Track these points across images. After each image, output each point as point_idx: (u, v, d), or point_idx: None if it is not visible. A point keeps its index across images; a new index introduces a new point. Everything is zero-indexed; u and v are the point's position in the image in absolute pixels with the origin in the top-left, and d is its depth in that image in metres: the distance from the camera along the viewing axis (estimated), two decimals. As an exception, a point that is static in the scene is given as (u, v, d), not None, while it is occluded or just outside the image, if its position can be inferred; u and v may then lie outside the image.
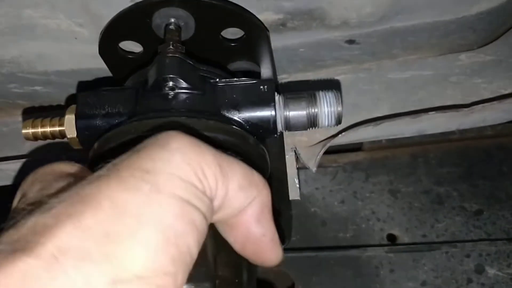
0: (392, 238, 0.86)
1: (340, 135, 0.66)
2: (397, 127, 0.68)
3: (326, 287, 0.82)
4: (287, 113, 0.54)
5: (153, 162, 0.36)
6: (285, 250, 0.64)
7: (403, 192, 0.87)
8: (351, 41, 0.65)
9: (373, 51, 0.69)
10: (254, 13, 0.57)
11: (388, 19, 0.61)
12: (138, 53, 0.59)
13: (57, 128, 0.56)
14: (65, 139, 0.55)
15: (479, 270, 0.82)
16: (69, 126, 0.54)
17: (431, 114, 0.65)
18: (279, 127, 0.54)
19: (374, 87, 0.72)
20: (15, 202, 0.40)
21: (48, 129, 0.56)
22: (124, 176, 0.35)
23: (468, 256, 0.82)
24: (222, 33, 0.57)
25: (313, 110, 0.54)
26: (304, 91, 0.56)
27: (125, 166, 0.35)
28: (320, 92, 0.55)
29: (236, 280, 0.46)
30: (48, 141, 0.58)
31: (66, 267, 0.30)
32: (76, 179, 0.38)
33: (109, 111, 0.52)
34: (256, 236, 0.41)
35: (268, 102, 0.53)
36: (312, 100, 0.54)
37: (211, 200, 0.37)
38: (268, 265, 0.43)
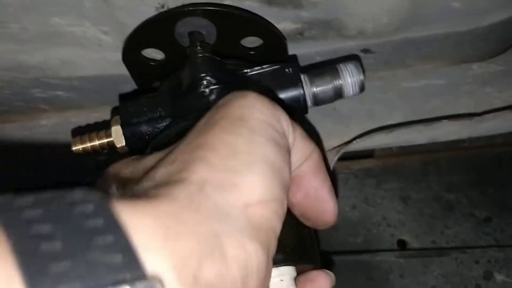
0: (402, 244, 0.87)
1: (354, 141, 0.68)
2: (410, 134, 0.70)
3: None
4: (314, 89, 0.57)
5: (240, 109, 0.40)
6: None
7: (413, 198, 0.88)
8: (366, 50, 0.67)
9: (387, 60, 0.71)
10: (273, 22, 0.58)
11: (403, 30, 0.63)
12: (160, 60, 0.61)
13: (105, 140, 0.60)
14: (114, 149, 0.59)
15: (488, 276, 0.83)
16: (116, 136, 0.57)
17: (444, 122, 0.67)
18: (309, 103, 0.58)
19: (388, 95, 0.73)
20: (113, 189, 0.44)
21: (97, 143, 0.60)
22: (224, 124, 0.40)
23: (477, 262, 0.83)
24: (241, 42, 0.59)
25: (338, 82, 0.58)
26: (326, 65, 0.59)
27: (219, 117, 0.41)
28: (341, 65, 0.58)
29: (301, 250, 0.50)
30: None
31: (209, 193, 0.35)
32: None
33: (151, 116, 0.56)
34: (316, 188, 0.45)
35: (295, 82, 0.57)
36: (335, 73, 0.58)
37: (288, 142, 0.42)
38: (327, 222, 0.48)
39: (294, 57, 0.64)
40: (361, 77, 0.58)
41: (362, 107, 0.72)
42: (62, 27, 0.57)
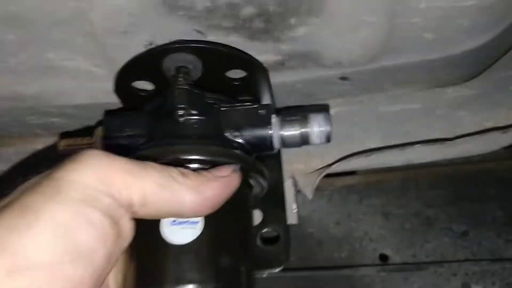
0: (384, 258, 0.89)
1: (334, 165, 0.70)
2: (386, 157, 0.72)
3: None
4: (283, 133, 0.59)
5: (62, 172, 0.41)
6: (283, 270, 0.68)
7: (394, 214, 0.90)
8: (343, 78, 0.69)
9: (364, 86, 0.73)
10: (256, 54, 0.61)
11: (378, 59, 0.65)
12: (150, 90, 0.63)
13: (89, 143, 0.64)
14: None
15: None
16: (99, 145, 0.60)
17: (417, 147, 0.69)
18: (276, 145, 0.60)
19: (366, 119, 0.76)
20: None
21: (80, 143, 0.65)
22: (39, 181, 0.40)
23: (455, 275, 0.86)
24: (226, 73, 0.61)
25: (305, 130, 0.60)
26: (299, 113, 0.61)
27: (44, 174, 0.41)
28: (311, 114, 0.60)
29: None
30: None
31: None
32: None
33: (130, 133, 0.58)
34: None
35: (266, 124, 0.59)
36: (304, 121, 0.60)
37: (120, 201, 0.42)
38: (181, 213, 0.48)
39: (270, 103, 0.66)
40: (328, 128, 0.59)
41: (341, 130, 0.74)
42: (56, 61, 0.59)
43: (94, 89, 0.65)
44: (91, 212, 0.40)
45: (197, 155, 0.52)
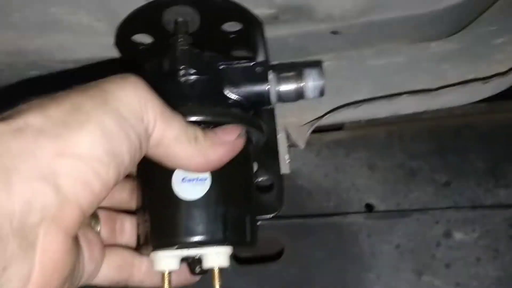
0: (369, 207, 0.93)
1: (325, 117, 0.73)
2: (375, 109, 0.75)
3: (312, 250, 0.89)
4: (279, 88, 0.62)
5: (110, 85, 0.46)
6: (276, 217, 0.72)
7: (379, 166, 0.93)
8: (334, 32, 0.71)
9: (354, 40, 0.75)
10: (251, 7, 0.62)
11: (367, 14, 0.67)
12: (149, 43, 0.65)
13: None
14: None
15: (447, 234, 0.89)
16: None
17: (403, 97, 0.72)
18: (273, 100, 0.62)
19: (355, 73, 0.78)
20: None
21: None
22: (87, 89, 0.45)
23: (437, 222, 0.89)
24: (223, 26, 0.63)
25: (300, 85, 0.62)
26: (294, 68, 0.64)
27: (91, 84, 0.46)
28: (306, 69, 0.63)
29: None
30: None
31: (26, 135, 0.39)
32: None
33: None
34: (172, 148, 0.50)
35: (262, 80, 0.61)
36: (299, 76, 0.62)
37: (146, 130, 0.47)
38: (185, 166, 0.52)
39: (266, 60, 0.68)
40: (322, 82, 0.62)
41: (332, 84, 0.76)
42: (59, 15, 0.61)
43: (95, 43, 0.67)
44: (130, 130, 0.44)
45: (204, 116, 0.55)
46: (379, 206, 0.93)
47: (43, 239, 0.39)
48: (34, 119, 0.40)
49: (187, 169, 0.52)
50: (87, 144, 0.42)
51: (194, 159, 0.51)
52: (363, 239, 0.91)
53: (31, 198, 0.38)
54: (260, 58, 0.68)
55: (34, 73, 0.74)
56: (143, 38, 0.64)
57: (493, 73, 0.76)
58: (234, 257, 0.81)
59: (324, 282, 0.88)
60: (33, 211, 0.38)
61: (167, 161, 0.51)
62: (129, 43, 0.64)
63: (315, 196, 0.93)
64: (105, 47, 0.66)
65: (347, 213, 0.92)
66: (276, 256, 0.91)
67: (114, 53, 0.67)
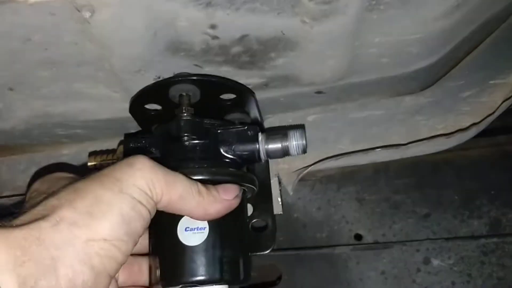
0: (358, 237, 0.98)
1: (310, 167, 0.80)
2: (354, 159, 0.82)
3: (307, 277, 0.95)
4: (267, 147, 0.69)
5: (121, 174, 0.53)
6: (274, 250, 0.79)
7: (367, 199, 0.99)
8: (319, 92, 0.77)
9: (337, 97, 0.81)
10: (244, 79, 0.69)
11: (345, 78, 0.73)
12: (158, 110, 0.72)
13: (114, 160, 0.73)
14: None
15: (426, 261, 0.95)
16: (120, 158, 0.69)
17: (377, 150, 0.79)
18: (263, 157, 0.70)
19: (338, 124, 0.85)
20: (28, 195, 0.60)
21: (106, 159, 0.74)
22: (103, 180, 0.53)
23: (418, 250, 0.95)
24: (220, 97, 0.70)
25: (285, 144, 0.70)
26: (281, 130, 0.71)
27: (105, 174, 0.54)
28: (290, 131, 0.70)
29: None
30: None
31: (63, 228, 0.48)
32: (73, 180, 0.56)
33: (145, 152, 0.66)
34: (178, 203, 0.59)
35: (253, 141, 0.69)
36: (284, 137, 0.70)
37: (156, 202, 0.55)
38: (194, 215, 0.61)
39: (256, 125, 0.74)
40: (304, 142, 0.69)
41: (317, 135, 0.83)
42: (81, 89, 0.68)
43: (112, 107, 0.74)
44: (142, 209, 0.53)
45: (207, 176, 0.63)
46: (367, 236, 0.98)
47: None
48: (66, 213, 0.49)
49: (191, 217, 0.61)
50: (110, 230, 0.50)
51: (196, 211, 0.59)
52: (352, 266, 0.97)
53: (74, 278, 0.47)
54: (253, 117, 0.76)
55: (59, 131, 0.82)
56: (153, 106, 0.72)
57: (459, 124, 0.82)
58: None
59: (317, 305, 0.95)
60: (76, 287, 0.48)
61: (173, 211, 0.59)
62: (140, 110, 0.71)
63: (309, 228, 0.99)
64: (121, 110, 0.73)
65: (338, 244, 0.97)
66: (275, 282, 0.97)
67: (129, 114, 0.73)
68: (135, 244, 0.54)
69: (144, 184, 0.54)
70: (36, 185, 0.62)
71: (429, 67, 0.77)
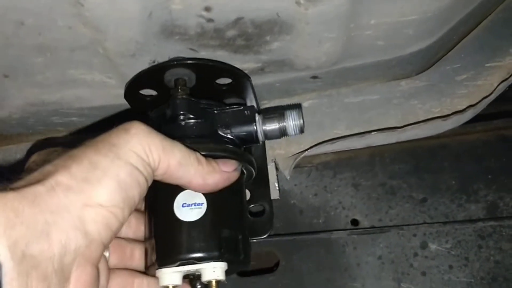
0: (355, 223, 0.97)
1: (307, 151, 0.80)
2: (350, 143, 0.82)
3: (304, 262, 0.95)
4: (265, 127, 0.69)
5: (117, 139, 0.53)
6: (271, 235, 0.78)
7: (363, 185, 0.98)
8: (314, 77, 0.78)
9: (332, 82, 0.81)
10: (240, 63, 0.69)
11: (340, 63, 0.73)
12: (153, 95, 0.72)
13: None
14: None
15: (423, 246, 0.94)
16: None
17: (373, 134, 0.79)
18: (260, 138, 0.69)
19: (334, 110, 0.84)
20: (26, 166, 0.60)
21: None
22: (99, 146, 0.52)
23: (415, 235, 0.95)
24: (216, 81, 0.70)
25: (282, 124, 0.69)
26: (278, 110, 0.71)
27: (100, 140, 0.53)
28: (287, 111, 0.70)
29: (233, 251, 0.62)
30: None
31: (58, 192, 0.48)
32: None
33: None
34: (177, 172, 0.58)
35: (251, 122, 0.68)
36: (281, 117, 0.69)
37: (153, 169, 0.54)
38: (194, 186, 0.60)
39: (253, 105, 0.74)
40: (301, 122, 0.69)
41: (314, 120, 0.83)
42: (75, 76, 0.68)
43: (107, 94, 0.74)
44: (139, 175, 0.53)
45: (205, 151, 0.62)
46: (363, 222, 0.98)
47: (76, 272, 0.48)
48: (62, 178, 0.49)
49: (186, 187, 0.60)
50: (106, 196, 0.50)
51: (194, 180, 0.58)
52: (349, 252, 0.96)
53: (66, 244, 0.47)
54: (249, 103, 0.75)
55: (55, 119, 0.81)
56: (148, 91, 0.71)
57: (455, 107, 0.82)
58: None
59: (314, 291, 0.95)
60: (68, 253, 0.47)
61: (171, 181, 0.58)
62: (135, 95, 0.71)
63: (305, 214, 0.98)
64: (116, 96, 0.73)
65: (335, 229, 0.97)
66: (273, 268, 0.97)
67: (124, 100, 0.73)
68: (131, 212, 0.53)
69: (141, 149, 0.53)
70: (34, 156, 0.62)
71: (425, 49, 0.77)
